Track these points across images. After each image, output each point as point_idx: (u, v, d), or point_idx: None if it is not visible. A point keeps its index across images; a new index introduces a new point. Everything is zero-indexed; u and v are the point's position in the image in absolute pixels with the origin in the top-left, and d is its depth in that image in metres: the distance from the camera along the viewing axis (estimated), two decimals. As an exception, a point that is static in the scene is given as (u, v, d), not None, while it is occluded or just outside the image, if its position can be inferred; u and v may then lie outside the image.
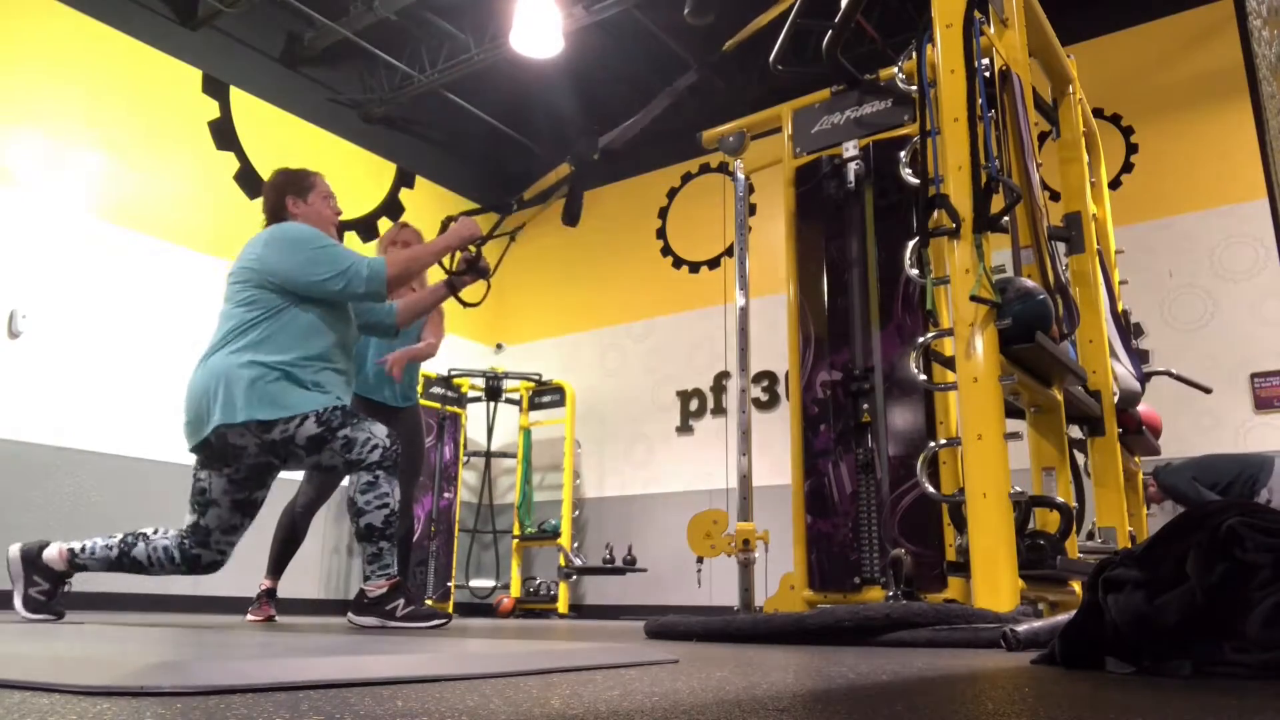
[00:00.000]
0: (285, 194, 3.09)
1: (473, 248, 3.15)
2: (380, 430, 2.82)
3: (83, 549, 2.84)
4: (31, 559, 2.82)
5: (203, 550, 2.88)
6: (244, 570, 6.02)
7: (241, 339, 2.80)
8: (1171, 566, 1.18)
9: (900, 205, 3.74)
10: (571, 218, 3.70)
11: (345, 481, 2.93)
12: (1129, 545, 3.46)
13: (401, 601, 2.79)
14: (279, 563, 3.91)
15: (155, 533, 2.87)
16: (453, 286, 3.19)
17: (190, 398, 2.78)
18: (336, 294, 2.84)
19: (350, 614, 2.90)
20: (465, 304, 3.29)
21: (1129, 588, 1.19)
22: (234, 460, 2.79)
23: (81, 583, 5.27)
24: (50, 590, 2.82)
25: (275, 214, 3.10)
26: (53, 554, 2.83)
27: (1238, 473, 4.88)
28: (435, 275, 3.39)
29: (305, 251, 2.85)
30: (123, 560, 2.83)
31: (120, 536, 2.86)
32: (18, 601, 2.79)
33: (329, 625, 3.34)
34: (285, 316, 2.83)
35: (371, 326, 3.17)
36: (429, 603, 6.70)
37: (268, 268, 2.87)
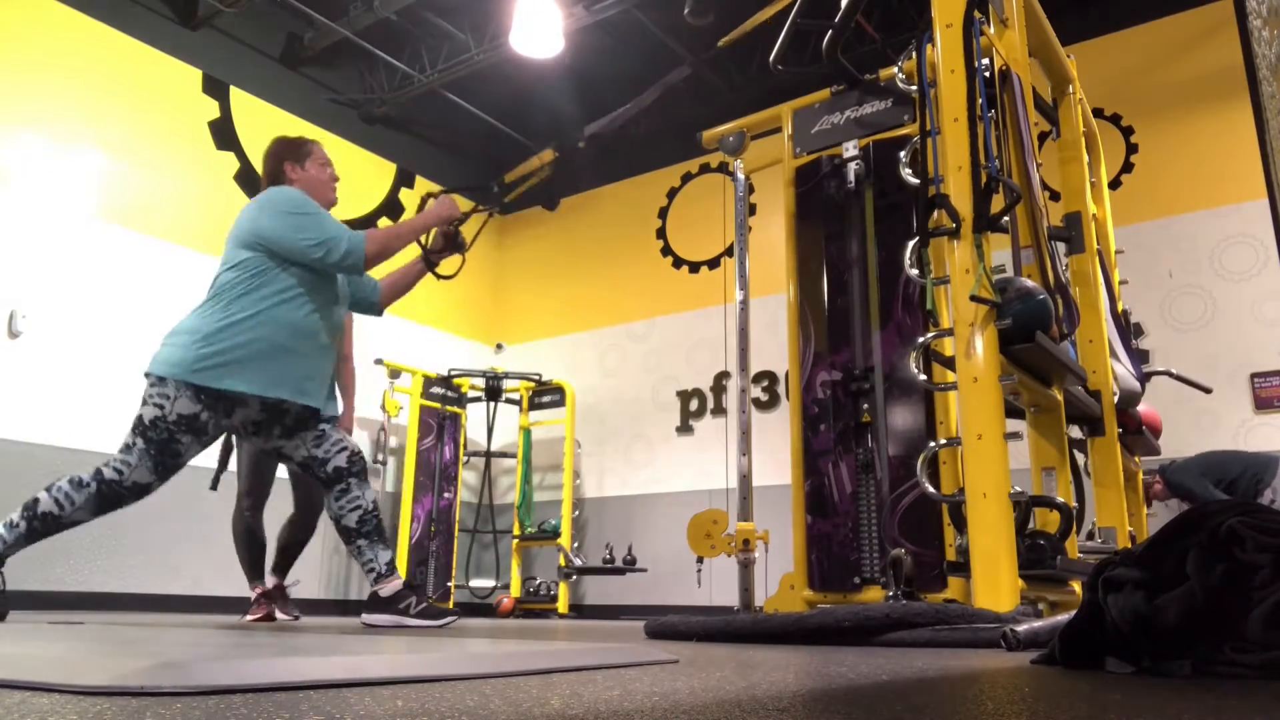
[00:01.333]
0: (283, 160, 3.12)
1: (450, 226, 3.18)
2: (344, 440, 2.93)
3: None
4: None
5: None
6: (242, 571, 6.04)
7: (220, 300, 2.84)
8: (1171, 566, 1.17)
9: (900, 205, 3.74)
10: (551, 203, 3.75)
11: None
12: (1129, 545, 3.46)
13: (414, 599, 2.89)
14: (255, 567, 3.96)
15: (50, 486, 2.77)
16: (429, 263, 3.20)
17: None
18: (316, 261, 2.85)
19: (363, 615, 2.98)
20: (440, 276, 3.30)
21: (1129, 588, 1.19)
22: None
23: (81, 583, 5.30)
24: None
25: (273, 180, 3.13)
26: None
27: (1242, 470, 4.88)
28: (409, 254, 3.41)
29: (294, 216, 2.87)
30: (33, 523, 2.73)
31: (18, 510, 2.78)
32: None
33: (329, 625, 3.34)
34: (267, 277, 2.84)
35: (359, 303, 3.20)
36: (429, 603, 6.71)
37: (257, 229, 2.89)
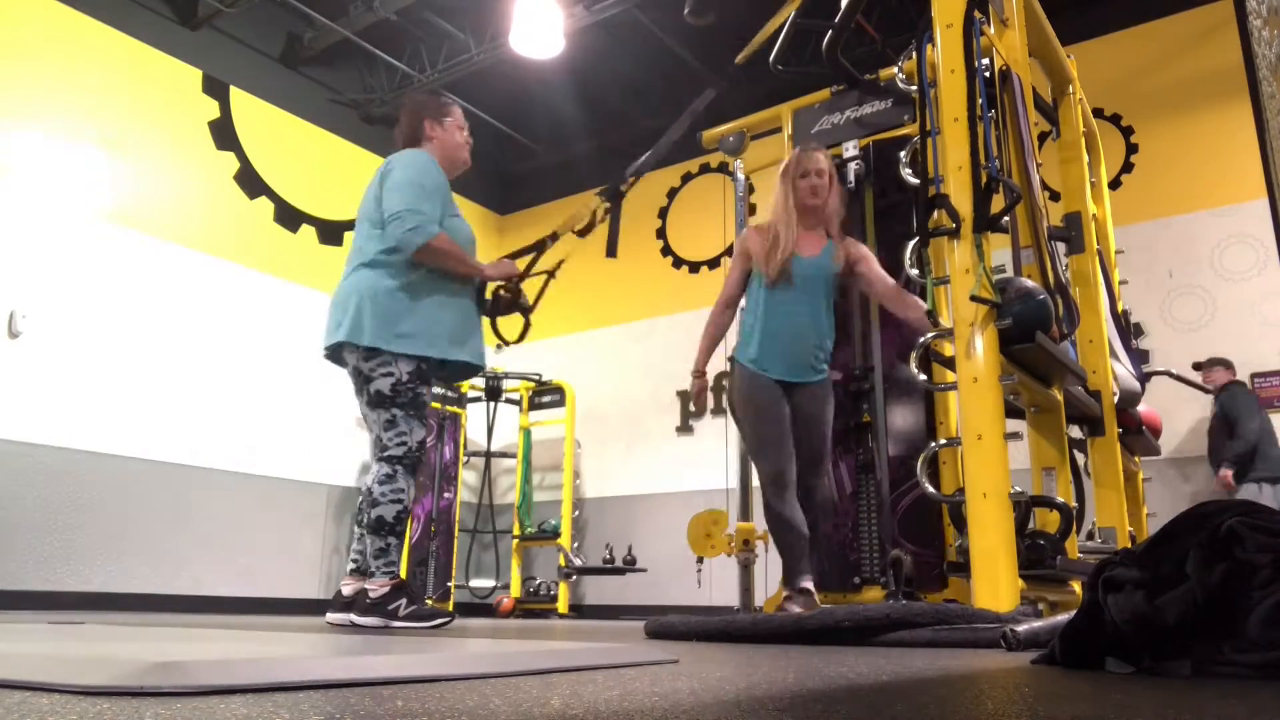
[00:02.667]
0: (424, 116, 3.13)
1: (505, 290, 3.15)
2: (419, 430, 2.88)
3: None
4: None
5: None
6: (243, 570, 6.05)
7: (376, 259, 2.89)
8: (1172, 566, 1.17)
9: (900, 205, 3.74)
10: (612, 249, 3.74)
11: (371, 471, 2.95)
12: (1129, 545, 3.46)
13: (404, 601, 2.78)
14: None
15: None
16: (491, 320, 3.20)
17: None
18: (390, 219, 2.86)
19: (352, 615, 2.86)
20: (503, 340, 3.30)
21: (1129, 588, 1.19)
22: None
23: (80, 582, 5.30)
24: None
25: (411, 138, 3.12)
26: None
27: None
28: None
29: (414, 179, 2.89)
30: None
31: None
32: None
33: (329, 625, 3.34)
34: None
35: None
36: (429, 602, 6.71)
37: (385, 189, 2.93)
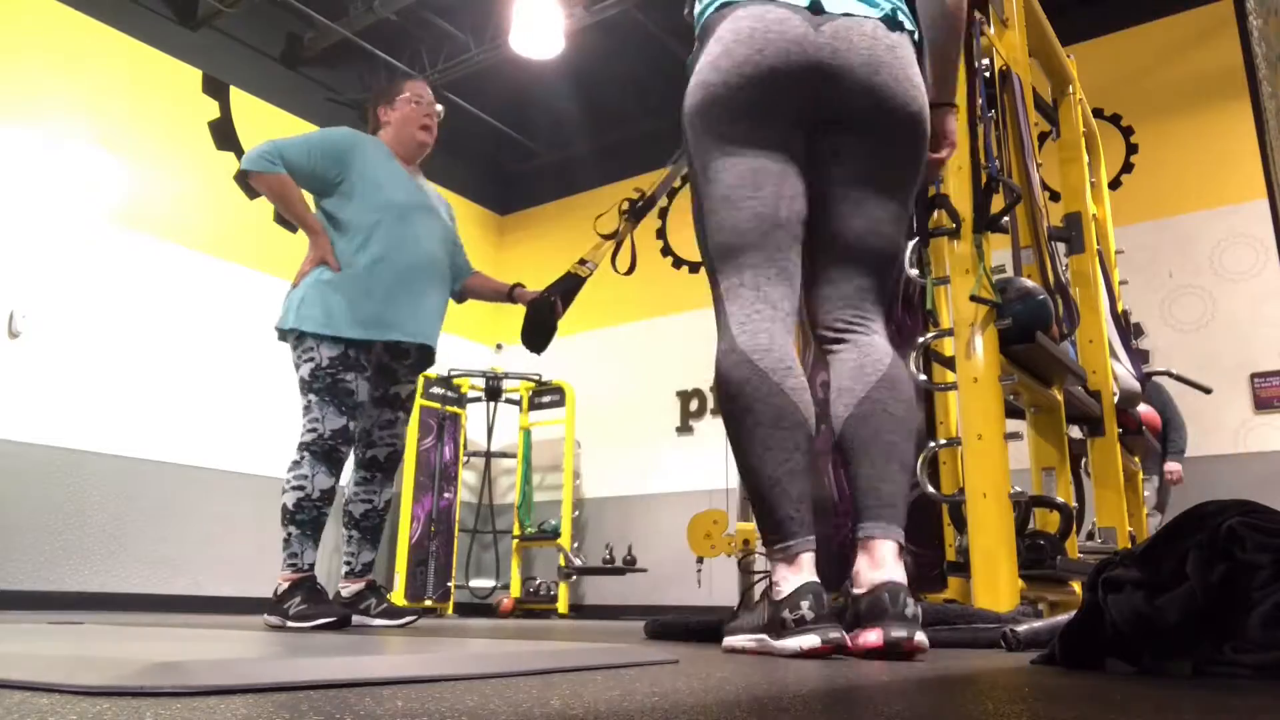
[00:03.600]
0: (377, 105, 3.11)
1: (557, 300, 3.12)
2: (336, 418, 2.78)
3: None
4: None
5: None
6: (243, 570, 6.04)
7: None
8: (1172, 566, 1.17)
9: (900, 205, 3.73)
10: (631, 267, 3.71)
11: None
12: (1129, 545, 3.46)
13: (298, 599, 2.63)
14: None
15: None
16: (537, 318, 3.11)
17: None
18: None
19: (265, 614, 2.74)
20: (533, 349, 3.24)
21: (1129, 588, 1.19)
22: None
23: (81, 583, 5.29)
24: None
25: (374, 131, 3.10)
26: None
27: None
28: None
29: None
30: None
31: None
32: None
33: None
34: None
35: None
36: (428, 603, 6.70)
37: None
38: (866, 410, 1.65)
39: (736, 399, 1.58)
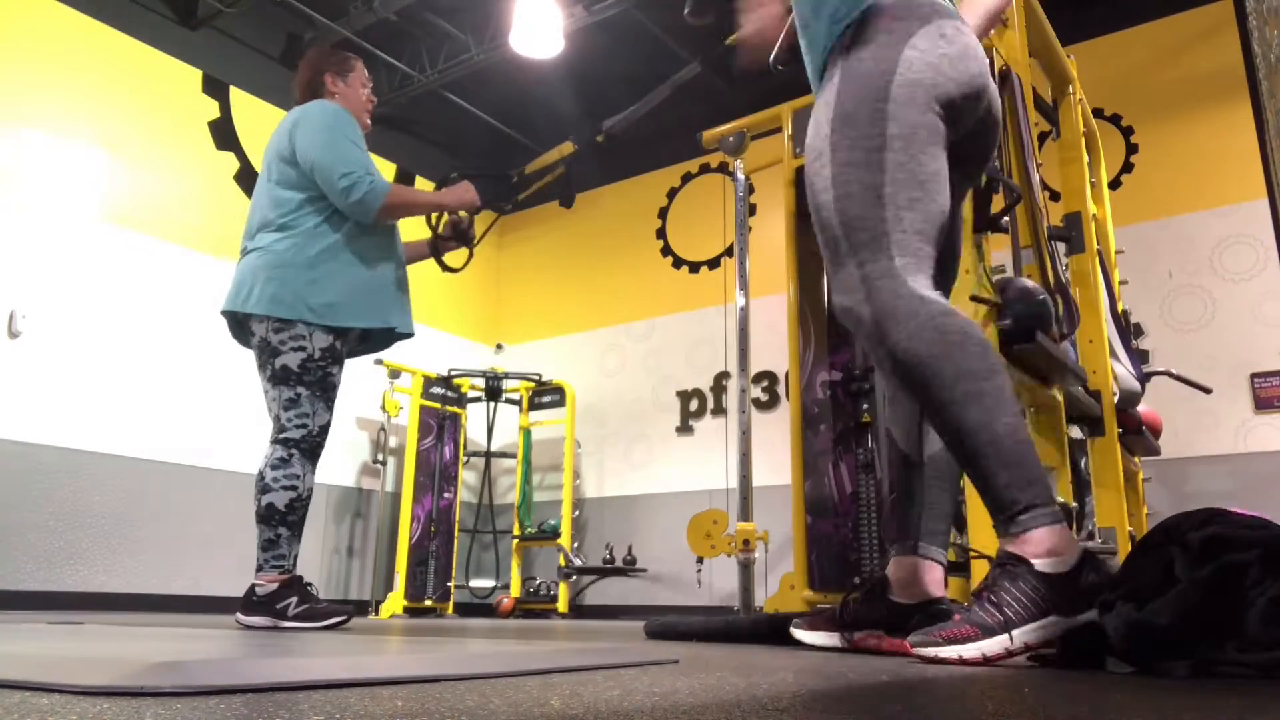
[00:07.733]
0: (324, 70, 2.98)
1: (464, 213, 3.04)
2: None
3: None
4: None
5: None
6: (243, 570, 6.04)
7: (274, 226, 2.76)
8: (1153, 575, 1.19)
9: (900, 205, 3.73)
10: (568, 200, 3.66)
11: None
12: (1129, 545, 3.46)
13: (295, 599, 2.59)
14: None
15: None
16: (436, 251, 3.06)
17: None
18: (336, 193, 2.70)
19: (238, 613, 2.65)
20: (445, 268, 3.22)
21: (1119, 604, 1.20)
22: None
23: (81, 583, 5.29)
24: None
25: (310, 91, 2.98)
26: None
27: None
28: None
29: (336, 135, 2.74)
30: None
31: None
32: None
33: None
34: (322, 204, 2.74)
35: None
36: (428, 603, 6.70)
37: (298, 148, 2.77)
38: None
39: (987, 355, 1.51)
